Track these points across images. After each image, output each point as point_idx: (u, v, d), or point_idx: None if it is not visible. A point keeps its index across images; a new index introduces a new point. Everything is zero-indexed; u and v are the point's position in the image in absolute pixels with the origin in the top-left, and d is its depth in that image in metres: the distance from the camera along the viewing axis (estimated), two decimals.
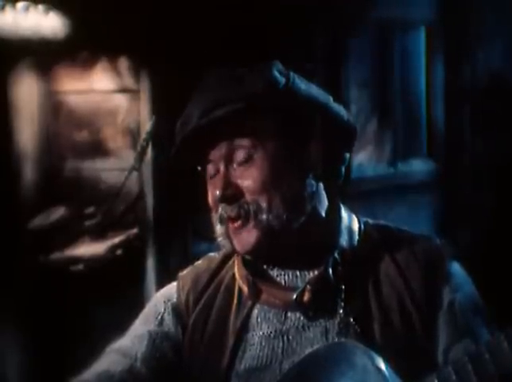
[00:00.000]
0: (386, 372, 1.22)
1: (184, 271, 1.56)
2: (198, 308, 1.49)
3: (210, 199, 1.44)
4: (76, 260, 4.14)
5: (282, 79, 1.40)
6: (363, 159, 5.39)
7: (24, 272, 4.01)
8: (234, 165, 1.40)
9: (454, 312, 1.39)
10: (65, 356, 3.64)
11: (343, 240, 1.45)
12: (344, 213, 1.49)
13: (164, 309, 1.51)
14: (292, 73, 1.43)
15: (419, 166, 5.79)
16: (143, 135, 4.04)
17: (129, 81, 4.34)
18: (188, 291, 1.51)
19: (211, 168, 1.44)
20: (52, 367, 3.77)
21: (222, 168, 1.41)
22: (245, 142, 1.39)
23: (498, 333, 1.18)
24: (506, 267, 4.85)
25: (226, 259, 1.53)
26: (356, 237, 1.47)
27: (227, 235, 1.42)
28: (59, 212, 4.21)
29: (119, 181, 4.06)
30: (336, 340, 1.38)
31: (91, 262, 4.14)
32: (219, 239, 1.44)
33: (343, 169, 1.48)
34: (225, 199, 1.40)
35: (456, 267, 1.44)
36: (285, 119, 1.41)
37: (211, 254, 1.57)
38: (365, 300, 1.41)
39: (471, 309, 1.40)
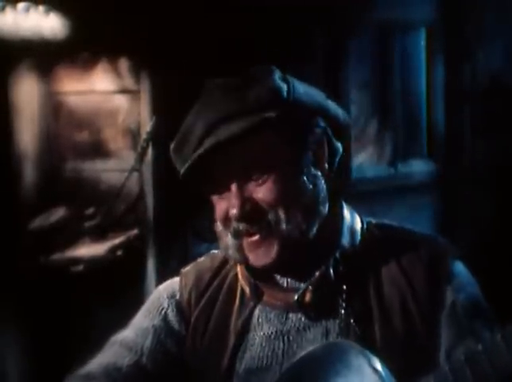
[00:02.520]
0: (382, 372, 1.22)
1: (187, 267, 1.55)
2: (200, 306, 1.49)
3: (218, 212, 1.41)
4: (76, 261, 4.14)
5: (284, 86, 1.39)
6: (363, 160, 5.39)
7: (24, 273, 4.01)
8: (248, 181, 1.37)
9: (456, 313, 1.38)
10: (65, 357, 3.64)
11: (345, 240, 1.44)
12: (347, 213, 1.48)
13: (168, 306, 1.50)
14: (289, 77, 1.42)
15: (419, 167, 5.79)
16: (143, 136, 4.05)
17: (129, 82, 4.34)
18: (190, 289, 1.51)
19: (218, 184, 1.40)
20: (52, 367, 3.77)
21: (233, 185, 1.38)
22: (257, 155, 1.36)
23: (495, 333, 1.18)
24: (506, 267, 4.85)
25: None
26: (358, 237, 1.46)
27: (242, 250, 1.40)
28: (59, 213, 4.22)
29: (119, 182, 4.07)
30: (335, 339, 1.37)
31: (92, 262, 4.14)
32: (229, 251, 1.41)
33: (337, 161, 1.46)
34: (243, 217, 1.37)
35: (460, 267, 1.43)
36: (292, 128, 1.39)
37: (214, 251, 1.55)
38: (366, 301, 1.40)
39: (473, 310, 1.39)
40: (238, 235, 1.39)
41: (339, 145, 1.46)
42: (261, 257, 1.38)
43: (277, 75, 1.40)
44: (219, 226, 1.42)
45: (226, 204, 1.39)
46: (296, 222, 1.37)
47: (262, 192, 1.37)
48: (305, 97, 1.41)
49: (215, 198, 1.42)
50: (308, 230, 1.38)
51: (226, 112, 1.35)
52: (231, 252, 1.41)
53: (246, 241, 1.38)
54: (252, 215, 1.37)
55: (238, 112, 1.35)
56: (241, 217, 1.37)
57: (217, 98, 1.38)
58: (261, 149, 1.37)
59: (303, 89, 1.42)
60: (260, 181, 1.37)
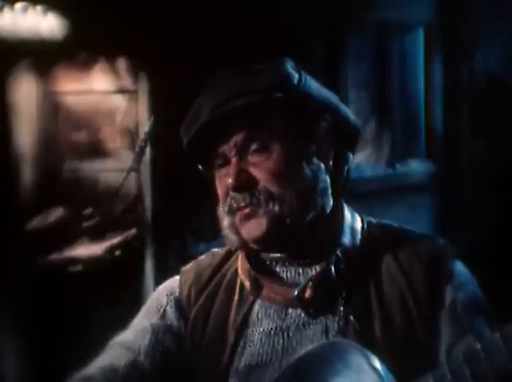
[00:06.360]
0: (382, 371, 1.22)
1: (187, 266, 1.56)
2: (199, 302, 1.49)
3: (219, 189, 1.44)
4: (75, 261, 4.14)
5: (296, 75, 1.43)
6: (362, 160, 5.39)
7: (22, 273, 4.01)
8: (248, 156, 1.41)
9: (456, 311, 1.38)
10: (64, 357, 3.64)
11: (346, 239, 1.46)
12: (347, 212, 1.50)
13: (167, 303, 1.51)
14: (302, 71, 1.45)
15: (417, 167, 5.79)
16: (141, 136, 4.04)
17: (127, 82, 4.34)
18: (190, 285, 1.51)
19: (220, 159, 1.43)
20: (50, 367, 3.77)
21: (234, 158, 1.41)
22: (261, 132, 1.40)
23: (494, 332, 1.18)
24: (506, 267, 4.85)
25: (230, 254, 1.53)
26: (359, 236, 1.47)
27: (235, 226, 1.42)
28: (57, 213, 4.22)
29: (118, 182, 4.06)
30: (334, 338, 1.37)
31: (90, 262, 4.14)
32: (226, 232, 1.44)
33: (346, 169, 1.50)
34: (238, 186, 1.40)
35: (460, 267, 1.44)
36: (299, 115, 1.42)
37: (215, 249, 1.57)
38: (366, 298, 1.41)
39: (473, 308, 1.39)
40: (231, 210, 1.41)
41: (349, 154, 1.50)
42: (252, 230, 1.40)
43: (290, 65, 1.45)
44: (221, 206, 1.45)
45: (227, 177, 1.42)
46: (289, 205, 1.39)
47: (261, 168, 1.40)
48: (316, 91, 1.45)
49: (218, 176, 1.45)
50: (301, 215, 1.40)
51: (238, 90, 1.39)
52: (228, 232, 1.43)
53: (238, 215, 1.40)
54: (246, 186, 1.39)
55: (249, 91, 1.38)
56: (235, 187, 1.40)
57: (230, 80, 1.42)
58: (265, 127, 1.40)
59: (315, 85, 1.46)
60: (260, 157, 1.40)
